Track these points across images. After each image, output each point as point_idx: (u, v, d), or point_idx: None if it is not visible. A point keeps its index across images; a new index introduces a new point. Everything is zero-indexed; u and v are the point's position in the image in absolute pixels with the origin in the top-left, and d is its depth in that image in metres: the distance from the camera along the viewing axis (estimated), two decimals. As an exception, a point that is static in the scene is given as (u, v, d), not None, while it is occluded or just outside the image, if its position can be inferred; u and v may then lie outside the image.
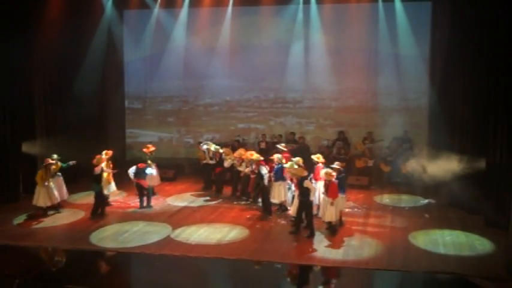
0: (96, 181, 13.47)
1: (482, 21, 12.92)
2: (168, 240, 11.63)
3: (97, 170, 13.36)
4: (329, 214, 11.71)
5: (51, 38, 15.69)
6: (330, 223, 11.87)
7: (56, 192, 13.51)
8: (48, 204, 13.33)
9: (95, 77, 17.79)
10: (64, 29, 15.95)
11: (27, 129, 15.37)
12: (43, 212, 13.40)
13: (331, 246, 11.15)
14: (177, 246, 11.25)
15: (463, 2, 14.16)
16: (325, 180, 11.88)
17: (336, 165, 12.25)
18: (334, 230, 11.84)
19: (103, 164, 13.58)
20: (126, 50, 19.59)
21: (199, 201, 14.91)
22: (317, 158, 13.30)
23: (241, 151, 14.91)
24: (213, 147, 16.00)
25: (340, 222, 12.35)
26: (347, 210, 13.29)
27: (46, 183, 13.23)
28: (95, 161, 13.43)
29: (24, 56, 14.78)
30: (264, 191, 13.59)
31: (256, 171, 13.83)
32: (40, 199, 13.24)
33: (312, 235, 11.70)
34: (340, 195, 11.98)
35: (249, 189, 14.77)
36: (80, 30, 16.90)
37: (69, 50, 16.51)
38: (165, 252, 10.93)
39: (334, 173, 11.78)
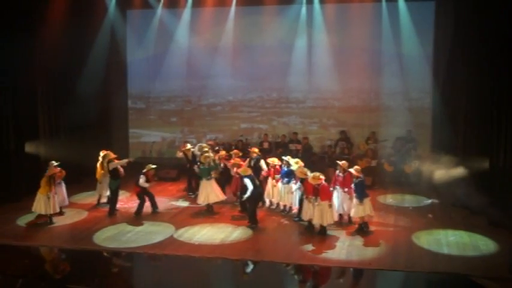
0: (113, 177, 13.54)
1: (485, 21, 12.89)
2: (171, 240, 11.61)
3: (111, 165, 13.50)
4: (327, 217, 11.58)
5: (54, 37, 15.70)
6: (323, 227, 11.73)
7: (56, 201, 12.99)
8: (50, 212, 12.81)
9: (97, 77, 17.81)
10: (67, 28, 15.97)
11: (30, 129, 15.39)
12: (46, 218, 12.96)
13: (334, 246, 11.13)
14: (180, 246, 11.23)
15: (466, 2, 14.15)
16: (314, 185, 11.67)
17: (354, 170, 12.02)
18: (325, 232, 11.73)
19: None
20: (129, 49, 19.62)
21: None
22: (272, 161, 13.60)
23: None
24: (196, 148, 15.49)
25: (366, 226, 12.10)
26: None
27: (49, 193, 12.71)
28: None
29: (27, 56, 14.79)
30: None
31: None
32: (41, 206, 12.66)
33: (253, 226, 12.25)
34: (359, 201, 11.88)
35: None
36: (83, 30, 16.91)
37: (72, 49, 16.52)
38: (168, 252, 10.93)
39: (322, 176, 11.64)
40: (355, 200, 11.94)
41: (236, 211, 13.65)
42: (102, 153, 14.03)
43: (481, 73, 13.26)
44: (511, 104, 11.94)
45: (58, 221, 13.03)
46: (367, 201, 11.97)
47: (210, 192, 13.38)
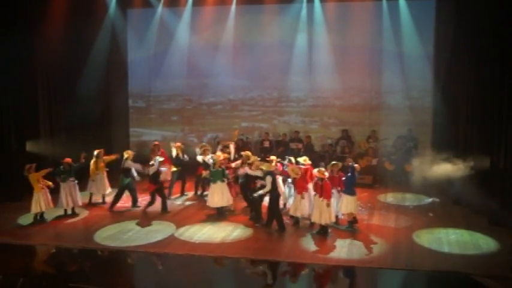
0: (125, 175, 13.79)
1: (486, 19, 12.86)
2: (171, 239, 11.63)
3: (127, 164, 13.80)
4: (325, 216, 11.57)
5: (54, 37, 15.72)
6: (323, 226, 11.74)
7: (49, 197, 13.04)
8: (45, 209, 12.85)
9: (98, 76, 17.83)
10: (68, 28, 15.99)
11: (31, 128, 15.41)
12: (40, 217, 12.99)
13: (335, 245, 11.14)
14: (180, 245, 11.25)
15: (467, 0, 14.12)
16: (316, 180, 11.77)
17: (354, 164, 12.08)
18: (326, 232, 11.75)
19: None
20: (129, 48, 19.59)
21: (202, 200, 14.84)
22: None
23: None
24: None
25: (355, 220, 12.18)
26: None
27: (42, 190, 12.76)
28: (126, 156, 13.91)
29: (28, 56, 14.81)
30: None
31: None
32: (36, 205, 12.68)
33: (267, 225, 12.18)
34: (351, 196, 11.92)
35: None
36: (83, 29, 16.93)
37: (73, 49, 16.54)
38: (169, 250, 10.94)
39: (326, 174, 11.72)
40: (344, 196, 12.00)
41: (237, 210, 13.67)
42: (96, 152, 14.30)
43: (482, 71, 13.24)
44: (512, 102, 11.94)
45: (60, 220, 13.08)
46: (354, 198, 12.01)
47: (222, 195, 13.07)
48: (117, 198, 13.96)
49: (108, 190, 14.61)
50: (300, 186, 12.05)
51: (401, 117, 17.36)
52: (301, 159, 13.02)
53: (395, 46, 17.30)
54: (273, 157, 13.41)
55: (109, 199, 14.65)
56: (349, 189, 11.96)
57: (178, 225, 12.54)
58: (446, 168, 13.21)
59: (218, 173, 13.07)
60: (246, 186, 13.20)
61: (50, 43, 15.64)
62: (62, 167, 13.27)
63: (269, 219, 12.26)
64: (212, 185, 13.12)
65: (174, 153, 15.01)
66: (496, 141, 12.42)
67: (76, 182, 13.42)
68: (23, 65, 14.74)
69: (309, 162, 13.00)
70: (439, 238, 11.48)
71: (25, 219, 13.07)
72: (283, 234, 11.93)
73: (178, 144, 15.43)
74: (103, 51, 18.10)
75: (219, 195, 13.02)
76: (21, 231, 12.37)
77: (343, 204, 12.01)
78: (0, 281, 9.45)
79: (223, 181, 13.05)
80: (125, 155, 14.01)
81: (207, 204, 13.28)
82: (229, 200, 13.21)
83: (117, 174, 14.53)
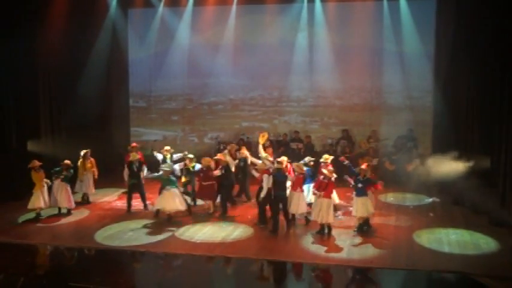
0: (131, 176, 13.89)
1: (487, 19, 12.88)
2: (172, 239, 11.64)
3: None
4: (323, 215, 11.56)
5: (55, 37, 15.75)
6: (323, 225, 11.74)
7: (49, 196, 13.21)
8: (42, 206, 12.98)
9: (99, 76, 17.85)
10: (69, 27, 16.02)
11: (32, 127, 15.44)
12: (39, 213, 13.12)
13: (335, 244, 11.15)
14: (181, 245, 11.26)
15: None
16: (321, 179, 11.77)
17: (363, 166, 12.07)
18: (323, 231, 11.73)
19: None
20: (130, 48, 19.61)
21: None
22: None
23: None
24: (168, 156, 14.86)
25: (368, 226, 12.12)
26: (350, 208, 13.12)
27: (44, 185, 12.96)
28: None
29: (29, 55, 14.85)
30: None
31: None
32: (36, 201, 12.88)
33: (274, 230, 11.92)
34: (365, 198, 11.89)
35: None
36: (84, 29, 16.96)
37: (74, 48, 16.57)
38: (169, 250, 10.96)
39: (334, 174, 11.74)
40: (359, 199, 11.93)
41: (238, 210, 13.70)
42: (82, 152, 14.33)
43: (482, 71, 13.26)
44: (512, 102, 11.95)
45: (60, 220, 13.10)
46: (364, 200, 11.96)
47: (173, 200, 12.77)
48: (129, 199, 13.85)
49: (93, 191, 14.67)
50: (297, 184, 12.14)
51: (401, 117, 17.36)
52: (322, 159, 13.03)
53: (395, 46, 17.34)
54: (283, 158, 13.33)
55: (93, 199, 14.80)
56: (362, 191, 11.88)
57: (179, 224, 12.53)
58: (446, 168, 13.22)
59: (166, 181, 12.91)
60: (229, 187, 13.58)
61: (51, 43, 15.67)
62: (59, 167, 13.29)
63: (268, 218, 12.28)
64: (163, 190, 12.96)
65: (159, 157, 14.73)
66: (496, 141, 12.44)
67: (51, 183, 13.23)
68: (24, 65, 14.77)
69: (327, 156, 13.04)
70: (439, 238, 11.48)
71: (26, 219, 13.09)
72: (284, 234, 11.94)
73: (167, 148, 15.12)
74: (104, 51, 18.13)
75: (169, 200, 12.78)
76: (21, 230, 12.38)
77: (363, 208, 11.81)
78: (1, 280, 9.47)
79: (168, 189, 12.80)
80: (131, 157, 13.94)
81: (154, 205, 13.14)
82: (182, 205, 12.94)
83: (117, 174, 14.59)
